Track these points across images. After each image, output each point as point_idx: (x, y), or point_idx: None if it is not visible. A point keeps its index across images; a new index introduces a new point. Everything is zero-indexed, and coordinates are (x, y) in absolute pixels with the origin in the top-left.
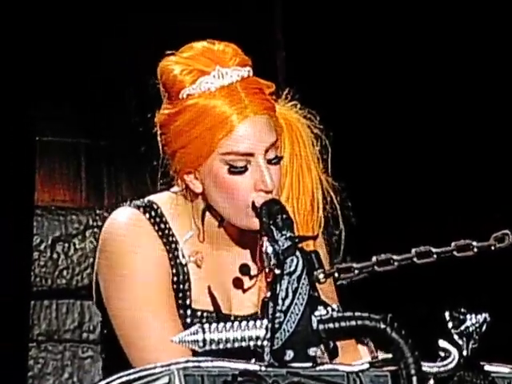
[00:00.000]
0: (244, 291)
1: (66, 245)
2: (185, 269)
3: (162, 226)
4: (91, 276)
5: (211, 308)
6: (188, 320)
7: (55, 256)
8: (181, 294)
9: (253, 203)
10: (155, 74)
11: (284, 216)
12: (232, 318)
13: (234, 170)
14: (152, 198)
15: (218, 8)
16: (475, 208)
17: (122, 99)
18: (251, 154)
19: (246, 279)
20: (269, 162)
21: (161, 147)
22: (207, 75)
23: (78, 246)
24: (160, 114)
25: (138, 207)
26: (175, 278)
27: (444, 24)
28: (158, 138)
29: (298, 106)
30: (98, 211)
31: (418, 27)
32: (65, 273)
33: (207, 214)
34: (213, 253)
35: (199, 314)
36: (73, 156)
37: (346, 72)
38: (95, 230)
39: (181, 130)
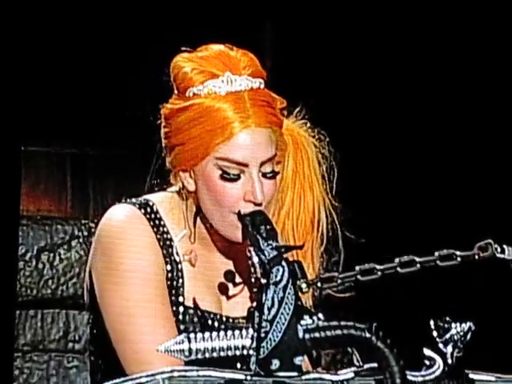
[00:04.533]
0: (229, 297)
1: (52, 255)
2: (179, 266)
3: (157, 222)
4: (77, 285)
5: (203, 307)
6: (180, 317)
7: (40, 266)
8: (174, 291)
9: (239, 212)
10: (142, 83)
11: (268, 227)
12: (223, 319)
13: (226, 177)
14: (147, 196)
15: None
16: (472, 228)
17: (109, 108)
18: (246, 165)
19: (230, 285)
20: (264, 175)
21: (162, 139)
22: (216, 78)
23: (63, 256)
24: (165, 107)
25: (134, 204)
26: (169, 275)
27: (439, 32)
28: (161, 130)
29: (308, 124)
30: (83, 221)
31: (410, 42)
32: (50, 283)
33: (199, 217)
34: (204, 254)
35: (191, 311)
36: (58, 166)
37: (332, 84)
38: (81, 239)
39: (182, 126)
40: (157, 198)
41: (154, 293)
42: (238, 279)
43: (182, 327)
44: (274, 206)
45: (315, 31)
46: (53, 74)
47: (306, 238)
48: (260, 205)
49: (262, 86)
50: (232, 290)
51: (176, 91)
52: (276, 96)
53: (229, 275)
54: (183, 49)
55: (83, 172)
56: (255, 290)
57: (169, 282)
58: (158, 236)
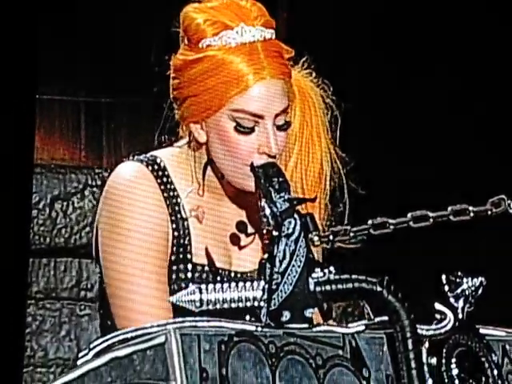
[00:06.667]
0: (240, 248)
1: (65, 203)
2: (185, 223)
3: (165, 179)
4: (89, 235)
5: (212, 263)
6: (189, 274)
7: (54, 214)
8: (181, 249)
9: (251, 164)
10: (156, 29)
11: (280, 179)
12: (232, 274)
13: (240, 129)
14: (155, 152)
15: None
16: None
17: (123, 56)
18: (261, 116)
19: (243, 236)
20: (278, 127)
21: (171, 91)
22: (230, 30)
23: (76, 205)
24: (176, 58)
25: (141, 161)
26: (175, 233)
27: None
28: (171, 82)
29: (313, 74)
30: (97, 170)
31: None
32: (63, 231)
33: (208, 168)
34: (213, 207)
35: (199, 268)
36: (72, 114)
37: (349, 36)
38: (94, 189)
39: (195, 78)
40: (165, 154)
41: (152, 254)
42: (250, 230)
43: (190, 285)
44: (281, 157)
45: None
46: (67, 23)
47: (315, 189)
48: (274, 157)
49: (273, 37)
50: (243, 241)
51: (187, 42)
52: (284, 46)
53: (241, 225)
54: None
55: (97, 121)
56: (266, 242)
57: (175, 241)
58: (165, 194)
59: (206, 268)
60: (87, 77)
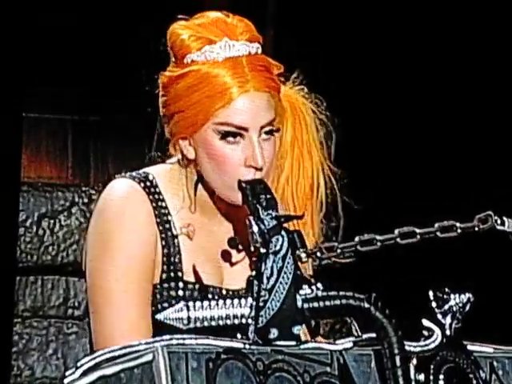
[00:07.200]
0: (232, 265)
1: (52, 221)
2: (175, 241)
3: (157, 196)
4: (77, 252)
5: (204, 281)
6: (180, 293)
7: (41, 232)
8: (172, 267)
9: (239, 181)
10: (145, 46)
11: (268, 196)
12: (223, 292)
13: (225, 142)
14: (147, 169)
15: None
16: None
17: (111, 75)
18: (245, 129)
19: (234, 253)
20: (265, 133)
21: (160, 109)
22: (214, 44)
23: (63, 223)
24: (164, 76)
25: (134, 178)
26: (165, 251)
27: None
28: (159, 99)
29: (305, 90)
30: (84, 188)
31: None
32: (50, 249)
33: (200, 185)
34: (204, 224)
35: (191, 286)
36: (59, 132)
37: (337, 51)
38: (81, 206)
39: (180, 93)
40: (157, 171)
41: (137, 273)
42: (241, 246)
43: (182, 303)
44: (273, 172)
45: None
46: (54, 41)
47: (306, 203)
48: (261, 170)
49: (260, 51)
50: (235, 258)
51: (174, 59)
52: (273, 61)
53: (232, 242)
54: (180, 17)
55: (84, 138)
56: (254, 259)
57: (165, 259)
58: (157, 212)
59: (197, 286)
60: (74, 95)
